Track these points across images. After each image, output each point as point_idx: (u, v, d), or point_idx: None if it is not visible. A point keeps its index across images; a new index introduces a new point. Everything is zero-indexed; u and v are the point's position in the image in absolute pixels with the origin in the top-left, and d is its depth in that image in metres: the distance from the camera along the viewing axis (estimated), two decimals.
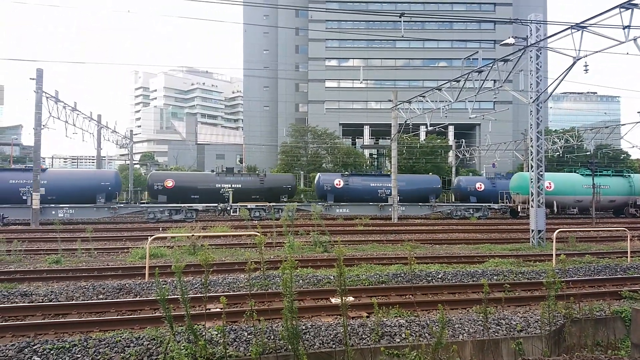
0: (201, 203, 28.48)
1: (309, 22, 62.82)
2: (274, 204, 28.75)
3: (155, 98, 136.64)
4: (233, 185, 29.83)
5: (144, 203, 29.92)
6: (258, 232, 11.13)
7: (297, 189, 37.93)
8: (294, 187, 32.02)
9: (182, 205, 27.71)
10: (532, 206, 17.23)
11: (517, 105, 53.74)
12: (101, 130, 35.40)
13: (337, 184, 31.56)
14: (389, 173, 33.86)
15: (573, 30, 14.61)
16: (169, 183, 28.67)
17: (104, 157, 49.60)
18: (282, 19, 66.10)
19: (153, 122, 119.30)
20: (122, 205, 27.27)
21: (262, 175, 31.72)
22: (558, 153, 40.07)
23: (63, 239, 17.12)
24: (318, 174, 33.80)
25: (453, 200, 37.04)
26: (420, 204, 31.83)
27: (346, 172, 33.75)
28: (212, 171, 31.94)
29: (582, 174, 32.05)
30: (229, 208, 28.39)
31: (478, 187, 34.04)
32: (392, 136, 29.18)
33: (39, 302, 8.52)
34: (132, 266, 12.10)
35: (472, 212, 31.71)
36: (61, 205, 25.92)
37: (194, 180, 30.39)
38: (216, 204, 28.37)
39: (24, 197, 25.63)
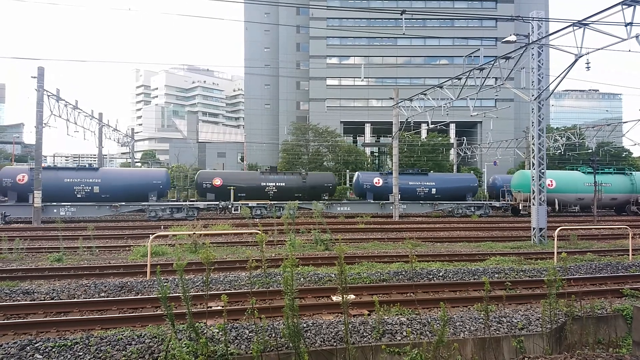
0: (247, 200, 29.25)
1: (310, 20, 62.73)
2: (275, 202, 28.78)
3: (157, 96, 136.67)
4: (277, 184, 30.55)
5: (193, 200, 30.69)
6: (259, 230, 11.13)
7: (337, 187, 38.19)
8: (334, 186, 32.58)
9: (183, 203, 27.80)
10: (533, 204, 17.21)
11: (519, 102, 53.71)
12: (102, 129, 35.44)
13: (376, 183, 32.05)
14: (426, 171, 34.40)
15: (575, 28, 14.56)
16: (217, 182, 29.58)
17: (106, 155, 49.69)
18: (283, 16, 66.00)
19: (154, 120, 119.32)
20: (123, 203, 27.28)
21: (304, 174, 32.34)
22: (560, 151, 40.00)
23: (65, 237, 17.18)
24: (357, 172, 34.48)
25: (488, 198, 37.08)
26: (421, 202, 31.86)
27: (385, 171, 34.09)
28: (257, 170, 32.89)
29: (583, 172, 32.00)
30: (230, 206, 28.42)
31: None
32: (393, 134, 29.15)
33: (40, 300, 8.55)
34: (133, 264, 12.12)
35: (473, 210, 31.70)
36: (62, 204, 26.00)
37: (240, 179, 31.19)
38: (217, 203, 28.40)
39: (78, 195, 26.50)
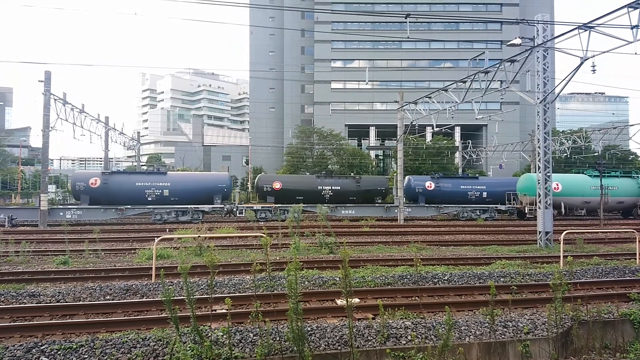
0: (305, 204, 29.71)
1: (315, 24, 62.90)
2: (280, 205, 28.81)
3: (162, 100, 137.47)
4: (333, 188, 31.22)
5: (255, 203, 31.51)
6: (264, 233, 11.14)
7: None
8: (387, 190, 33.17)
9: (188, 206, 27.89)
10: (539, 207, 17.11)
11: (524, 106, 53.48)
12: (109, 132, 35.66)
13: (428, 186, 32.54)
14: (476, 175, 34.46)
15: (580, 31, 14.50)
16: (277, 185, 30.48)
17: (112, 158, 49.94)
18: (288, 20, 66.24)
19: (160, 123, 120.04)
20: (129, 206, 27.42)
21: (358, 178, 32.97)
22: (566, 154, 39.78)
23: (71, 240, 17.26)
24: (408, 176, 35.03)
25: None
26: (426, 205, 31.82)
27: (436, 175, 34.78)
28: (313, 174, 34.14)
29: (590, 175, 31.79)
30: (234, 209, 28.47)
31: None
32: (398, 137, 29.13)
33: (46, 303, 8.59)
34: (139, 267, 12.16)
35: (479, 214, 31.57)
36: (69, 207, 26.18)
37: (298, 183, 32.14)
38: (222, 205, 28.47)
39: (149, 199, 27.36)
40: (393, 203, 33.85)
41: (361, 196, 31.52)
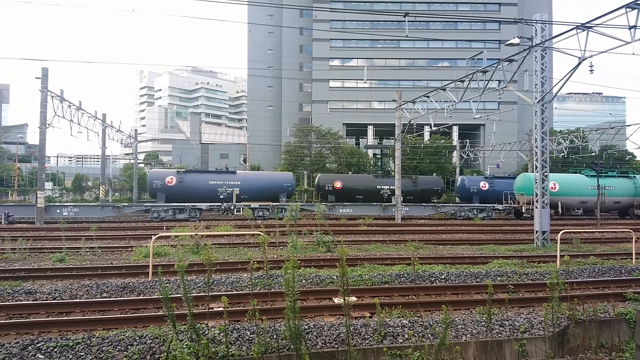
0: (364, 202, 30.71)
1: (313, 22, 62.84)
2: (277, 203, 28.79)
3: (160, 97, 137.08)
4: (391, 187, 31.81)
5: (315, 202, 32.39)
6: (261, 231, 11.13)
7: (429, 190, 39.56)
8: (442, 189, 34.18)
9: (186, 204, 27.87)
10: (536, 207, 17.16)
11: (522, 105, 53.59)
12: (106, 130, 35.55)
13: (482, 187, 33.63)
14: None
15: (578, 31, 14.53)
16: (338, 184, 31.67)
17: (109, 156, 49.84)
18: (287, 18, 66.13)
19: (157, 121, 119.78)
20: (126, 204, 27.40)
21: (415, 178, 34.07)
22: (563, 154, 39.87)
23: (67, 237, 17.22)
24: (462, 177, 36.10)
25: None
26: (424, 204, 31.90)
27: (490, 175, 36.04)
28: (373, 174, 35.58)
29: (587, 175, 31.88)
30: (232, 207, 28.46)
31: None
32: (395, 136, 29.14)
33: (43, 300, 8.56)
34: (135, 265, 12.13)
35: (476, 213, 31.63)
36: (66, 204, 26.15)
37: (358, 182, 33.11)
38: (219, 203, 28.45)
39: (221, 197, 28.58)
40: (448, 202, 34.42)
41: (418, 195, 32.47)
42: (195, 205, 27.78)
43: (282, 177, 31.60)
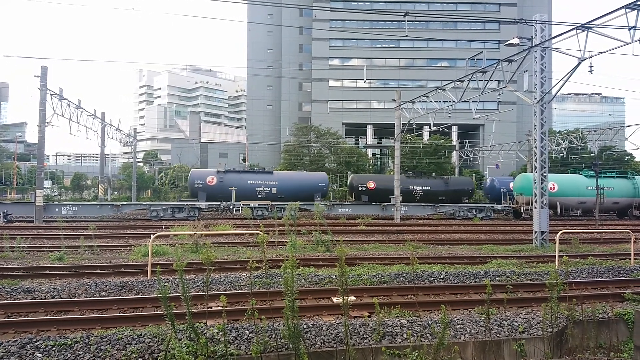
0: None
1: (313, 22, 62.79)
2: (276, 203, 28.80)
3: (159, 96, 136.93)
4: (423, 187, 32.70)
5: (348, 202, 32.87)
6: (260, 231, 11.13)
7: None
8: (473, 189, 34.64)
9: (185, 203, 27.93)
10: (535, 207, 17.17)
11: (521, 105, 53.60)
12: (105, 128, 35.50)
13: (512, 187, 33.59)
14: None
15: (578, 31, 14.54)
16: (371, 185, 32.15)
17: (108, 154, 49.80)
18: (286, 18, 66.07)
19: (157, 120, 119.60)
20: (125, 203, 27.40)
21: (447, 179, 34.56)
22: (562, 154, 39.91)
23: (66, 236, 17.20)
24: (492, 177, 36.08)
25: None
26: (422, 204, 31.96)
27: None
28: (405, 174, 35.25)
29: (586, 176, 31.91)
30: (231, 207, 28.47)
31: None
32: (395, 136, 29.15)
33: (41, 299, 8.56)
34: (134, 264, 12.12)
35: (475, 213, 31.65)
36: (64, 203, 26.13)
37: (390, 182, 32.89)
38: (218, 203, 28.46)
39: (259, 196, 29.46)
40: (479, 202, 34.66)
41: (450, 196, 32.83)
42: (194, 204, 27.79)
43: (317, 177, 32.17)
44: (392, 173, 34.91)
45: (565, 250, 15.59)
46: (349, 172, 46.20)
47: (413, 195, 32.58)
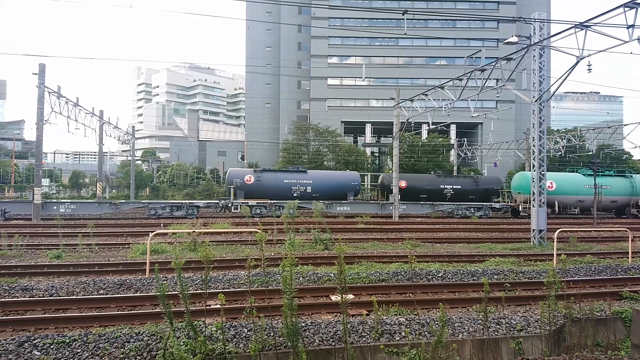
0: (428, 201, 31.42)
1: (312, 19, 62.71)
2: (275, 201, 28.79)
3: (158, 94, 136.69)
4: (454, 187, 33.00)
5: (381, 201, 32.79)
6: (259, 229, 11.13)
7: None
8: (502, 188, 35.02)
9: (183, 201, 27.93)
10: (533, 206, 17.20)
11: (520, 104, 53.66)
12: (103, 126, 35.41)
13: (549, 187, 33.68)
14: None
15: (576, 30, 14.54)
16: (402, 184, 31.91)
17: (106, 152, 49.70)
18: (285, 15, 65.95)
19: (155, 118, 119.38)
20: (123, 201, 27.36)
21: (476, 178, 34.93)
22: (560, 153, 39.94)
23: (64, 234, 17.16)
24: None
25: None
26: (421, 202, 32.00)
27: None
28: (435, 173, 36.10)
29: (584, 174, 31.97)
30: (230, 205, 28.46)
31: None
32: (394, 134, 29.14)
33: (39, 297, 8.54)
34: (132, 262, 12.11)
35: (473, 211, 31.70)
36: (63, 201, 26.08)
37: (422, 182, 33.79)
38: (217, 201, 28.45)
39: (294, 195, 29.53)
40: (506, 202, 34.77)
41: (480, 195, 33.12)
42: (193, 203, 27.78)
43: (350, 177, 32.48)
44: (391, 171, 34.83)
45: (563, 248, 15.62)
46: (347, 170, 46.15)
47: (444, 194, 32.83)
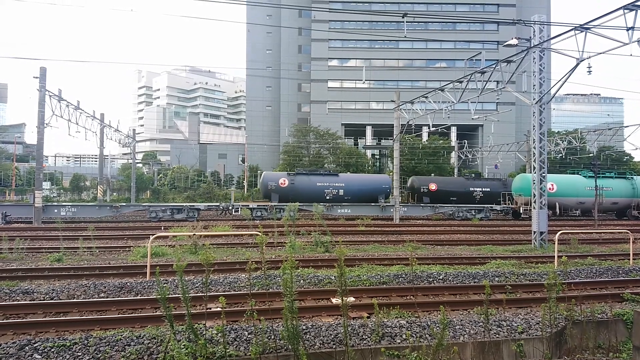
0: (458, 204, 31.59)
1: (312, 22, 62.82)
2: (275, 204, 28.79)
3: (158, 97, 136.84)
4: (483, 189, 33.31)
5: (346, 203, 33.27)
6: (260, 232, 11.13)
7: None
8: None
9: (184, 204, 27.93)
10: (534, 208, 17.18)
11: (520, 106, 53.64)
12: (104, 129, 35.46)
13: (550, 189, 34.28)
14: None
15: (576, 32, 14.56)
16: (433, 187, 32.70)
17: (107, 156, 49.74)
18: (285, 18, 66.11)
19: (156, 121, 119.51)
20: (124, 204, 27.37)
21: (505, 180, 35.32)
22: (561, 155, 39.95)
23: (65, 237, 17.17)
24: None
25: None
26: (422, 204, 31.99)
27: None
28: (464, 176, 36.59)
29: (584, 176, 31.92)
30: (230, 207, 28.45)
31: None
32: (394, 137, 29.16)
33: (40, 300, 8.54)
34: (133, 265, 12.11)
35: (474, 214, 31.67)
36: (63, 204, 26.10)
37: (452, 184, 34.16)
38: (217, 204, 28.45)
39: (327, 197, 30.07)
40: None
41: (508, 196, 33.27)
42: (193, 205, 27.78)
43: (381, 180, 32.80)
44: (391, 173, 34.86)
45: (564, 250, 15.60)
46: (348, 172, 46.17)
47: (473, 196, 33.13)
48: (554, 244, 12.91)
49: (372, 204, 30.35)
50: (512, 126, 57.56)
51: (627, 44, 13.51)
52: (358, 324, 6.90)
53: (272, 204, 28.54)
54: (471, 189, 33.46)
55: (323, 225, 19.19)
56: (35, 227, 21.92)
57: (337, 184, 30.58)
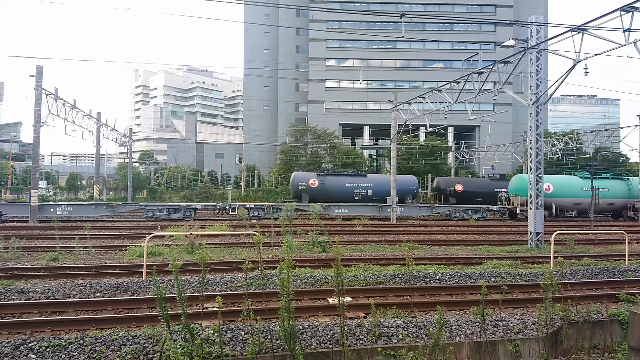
0: (484, 204, 31.82)
1: (310, 22, 62.83)
2: (273, 203, 28.79)
3: (155, 96, 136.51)
4: (506, 190, 33.12)
5: (434, 204, 33.44)
6: (256, 231, 11.11)
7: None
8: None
9: (181, 204, 27.89)
10: (530, 208, 17.23)
11: (517, 107, 53.86)
12: (100, 128, 35.36)
13: (546, 190, 34.81)
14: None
15: (573, 33, 14.61)
16: (459, 187, 33.21)
17: (103, 155, 49.59)
18: (283, 18, 66.07)
19: (153, 120, 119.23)
20: (120, 203, 27.30)
21: None
22: (557, 155, 40.10)
23: (61, 236, 17.10)
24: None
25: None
26: (419, 205, 32.09)
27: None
28: (488, 177, 37.18)
29: (581, 177, 32.04)
30: (227, 207, 28.42)
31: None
32: (391, 137, 29.19)
33: (35, 300, 8.50)
34: (129, 264, 12.08)
35: (470, 214, 31.73)
36: (60, 203, 26.01)
37: (477, 185, 34.72)
38: (214, 203, 28.41)
39: (356, 198, 30.50)
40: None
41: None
42: (190, 205, 27.73)
43: (408, 180, 32.96)
44: (388, 173, 34.87)
45: (561, 251, 15.65)
46: (345, 172, 46.16)
47: (498, 197, 33.46)
48: (550, 244, 12.95)
49: (400, 204, 30.38)
50: (509, 127, 57.70)
51: (623, 45, 13.57)
52: (355, 324, 6.90)
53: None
54: (495, 189, 34.00)
55: (320, 225, 19.18)
56: (31, 226, 21.83)
57: (365, 185, 31.03)
